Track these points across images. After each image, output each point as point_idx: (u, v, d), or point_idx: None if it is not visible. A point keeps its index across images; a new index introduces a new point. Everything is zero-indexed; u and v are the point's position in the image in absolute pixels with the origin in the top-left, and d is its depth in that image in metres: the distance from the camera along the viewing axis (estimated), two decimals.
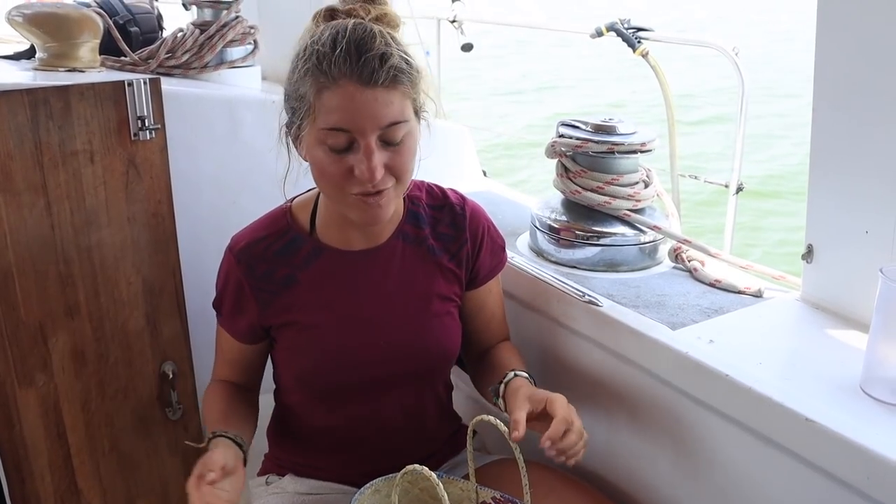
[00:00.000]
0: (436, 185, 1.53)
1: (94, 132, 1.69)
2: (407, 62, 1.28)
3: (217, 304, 1.50)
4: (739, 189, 2.75)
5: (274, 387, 1.58)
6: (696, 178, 3.09)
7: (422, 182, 1.51)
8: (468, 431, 1.34)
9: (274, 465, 1.61)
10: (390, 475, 1.33)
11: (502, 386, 1.40)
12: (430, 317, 1.47)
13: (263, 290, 1.43)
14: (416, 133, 1.33)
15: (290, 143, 1.36)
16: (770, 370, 1.31)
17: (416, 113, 1.33)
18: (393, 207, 1.35)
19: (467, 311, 1.56)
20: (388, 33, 1.28)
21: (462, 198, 1.53)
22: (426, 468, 1.20)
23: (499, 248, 1.56)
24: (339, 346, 1.44)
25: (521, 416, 1.26)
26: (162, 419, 1.94)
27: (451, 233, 1.49)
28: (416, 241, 1.47)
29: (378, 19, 1.32)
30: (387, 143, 1.27)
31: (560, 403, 1.28)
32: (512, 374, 1.41)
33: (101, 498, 1.93)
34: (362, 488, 1.33)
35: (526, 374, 1.42)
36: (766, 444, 1.25)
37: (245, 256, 1.43)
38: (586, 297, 1.55)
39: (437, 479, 1.16)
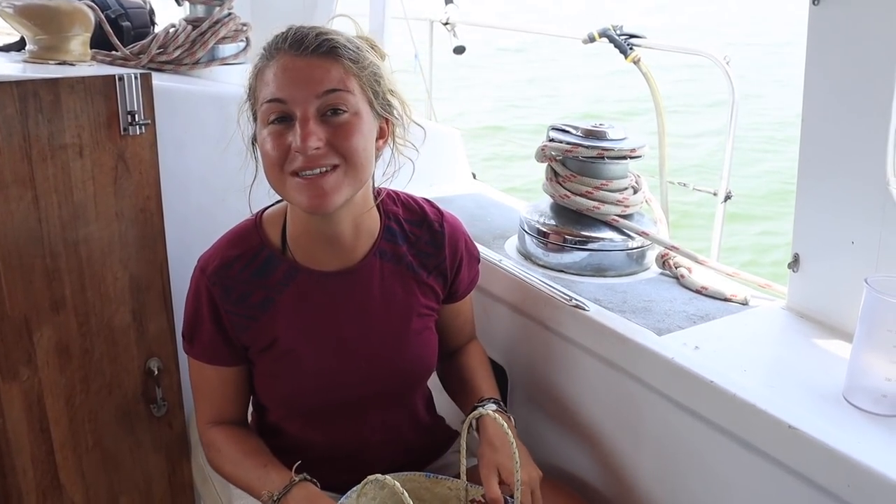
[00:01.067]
0: (410, 198, 1.50)
1: (83, 126, 1.68)
2: (354, 47, 1.27)
3: (188, 332, 1.43)
4: (728, 197, 2.76)
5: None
6: (684, 185, 3.09)
7: (396, 194, 1.48)
8: (463, 427, 1.32)
9: None
10: (376, 477, 1.31)
11: (474, 422, 1.38)
12: (409, 334, 1.45)
13: (239, 315, 1.38)
14: (367, 119, 1.28)
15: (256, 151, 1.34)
16: (754, 377, 1.32)
17: (371, 103, 1.29)
18: (343, 196, 1.28)
19: (443, 320, 1.55)
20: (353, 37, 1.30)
21: (439, 212, 1.50)
22: (388, 477, 1.19)
23: (475, 260, 1.56)
24: (319, 369, 1.41)
25: (496, 491, 1.29)
26: (146, 416, 1.93)
27: (430, 250, 1.47)
28: (395, 258, 1.44)
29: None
30: (328, 115, 1.24)
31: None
32: (479, 411, 1.36)
33: (83, 494, 1.92)
34: (350, 491, 1.29)
35: (494, 406, 1.42)
36: (749, 450, 1.25)
37: (219, 279, 1.38)
38: (573, 301, 1.56)
39: (400, 488, 1.15)
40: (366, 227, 1.40)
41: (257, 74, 1.27)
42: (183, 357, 1.89)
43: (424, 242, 1.47)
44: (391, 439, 1.50)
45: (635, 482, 1.52)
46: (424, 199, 1.52)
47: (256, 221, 1.43)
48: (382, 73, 1.32)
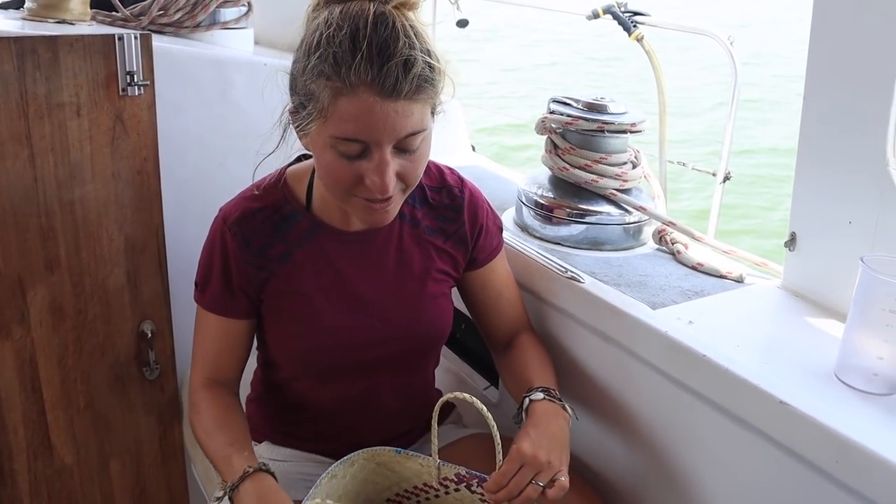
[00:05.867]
0: (433, 164, 1.49)
1: (81, 85, 1.67)
2: (430, 67, 1.18)
3: (202, 280, 1.41)
4: (727, 178, 2.75)
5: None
6: (684, 164, 3.08)
7: None
8: (435, 409, 1.32)
9: (250, 431, 1.59)
10: (346, 458, 1.31)
11: (523, 413, 1.35)
12: (425, 298, 1.45)
13: (258, 267, 1.37)
14: (430, 137, 1.26)
15: (292, 128, 1.30)
16: (747, 353, 1.32)
17: (433, 113, 1.27)
18: (398, 209, 1.30)
19: (473, 291, 1.55)
20: (412, 27, 1.18)
21: (460, 180, 1.50)
22: (357, 453, 1.21)
23: (497, 229, 1.54)
24: (335, 327, 1.40)
25: (496, 482, 1.22)
26: (139, 378, 1.93)
27: (449, 214, 1.47)
28: (413, 222, 1.44)
29: (399, 6, 1.19)
30: (402, 150, 1.21)
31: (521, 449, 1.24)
32: (527, 400, 1.35)
33: (74, 454, 1.92)
34: (319, 480, 1.27)
35: (542, 394, 1.35)
36: (740, 425, 1.25)
37: (240, 229, 1.37)
38: (569, 273, 1.56)
39: (341, 474, 1.15)
40: None
41: (331, 95, 1.16)
42: (177, 321, 1.91)
43: (444, 207, 1.47)
44: (399, 403, 1.50)
45: (626, 455, 1.53)
46: (446, 165, 1.52)
47: (280, 177, 1.42)
48: (444, 75, 1.26)
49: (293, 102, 1.27)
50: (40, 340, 1.78)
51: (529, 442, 1.24)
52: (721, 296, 1.54)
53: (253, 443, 1.55)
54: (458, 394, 1.28)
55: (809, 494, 1.18)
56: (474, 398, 1.27)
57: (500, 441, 1.27)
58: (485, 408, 1.27)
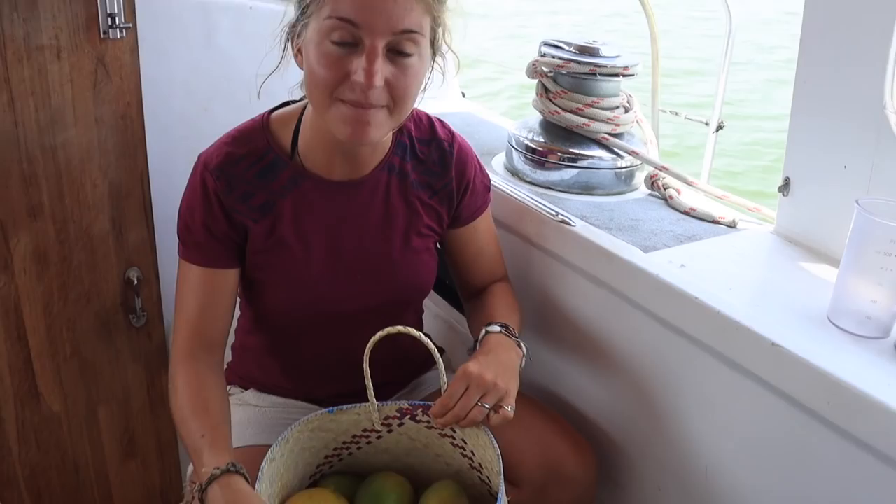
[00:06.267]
0: (425, 115, 1.45)
1: (61, 27, 1.63)
2: None
3: (183, 231, 1.35)
4: (720, 127, 2.72)
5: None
6: (676, 113, 3.04)
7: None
8: (368, 346, 1.26)
9: (236, 378, 1.58)
10: (280, 437, 1.28)
11: (477, 345, 1.36)
12: (409, 253, 1.42)
13: (240, 214, 1.32)
14: (426, 63, 1.23)
15: (290, 46, 1.27)
16: (739, 297, 1.31)
17: (432, 44, 1.23)
18: (382, 134, 1.25)
19: (452, 248, 1.52)
20: None
21: (450, 133, 1.46)
22: (291, 428, 1.22)
23: (484, 188, 1.50)
24: (317, 278, 1.37)
25: (442, 404, 1.24)
26: (125, 326, 1.91)
27: (437, 170, 1.43)
28: (402, 175, 1.40)
29: None
30: (394, 54, 1.17)
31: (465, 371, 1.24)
32: (483, 331, 1.36)
33: (61, 402, 1.91)
34: (259, 471, 1.23)
35: (499, 328, 1.35)
36: (732, 368, 1.25)
37: (223, 174, 1.31)
38: (560, 216, 1.54)
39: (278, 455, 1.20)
40: (380, 142, 1.36)
41: None
42: (163, 268, 1.89)
43: (432, 161, 1.43)
44: (380, 353, 1.48)
45: (617, 400, 1.52)
46: (438, 118, 1.47)
47: (263, 122, 1.36)
48: (450, 7, 1.24)
49: (295, 9, 1.24)
50: (24, 288, 1.76)
51: (476, 364, 1.25)
52: (713, 240, 1.52)
53: (239, 390, 1.55)
54: (399, 328, 1.24)
55: (801, 437, 1.18)
56: (420, 333, 1.25)
57: (444, 372, 1.26)
58: (429, 340, 1.26)
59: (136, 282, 1.86)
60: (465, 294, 1.58)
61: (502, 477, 1.18)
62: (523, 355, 1.35)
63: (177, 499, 2.20)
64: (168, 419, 2.07)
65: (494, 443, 1.23)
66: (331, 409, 1.33)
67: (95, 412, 1.97)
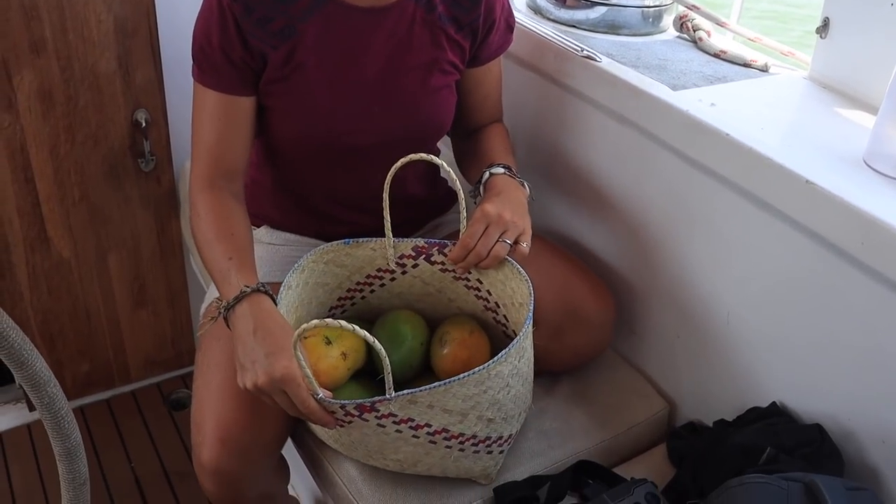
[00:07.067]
0: None
1: None
2: None
3: (199, 53, 1.27)
4: None
5: None
6: None
7: None
8: (388, 176, 1.25)
9: (249, 215, 1.53)
10: (296, 265, 1.27)
11: (481, 187, 1.34)
12: (429, 89, 1.36)
13: (257, 39, 1.25)
14: None
15: None
16: (772, 136, 1.25)
17: None
18: None
19: (464, 87, 1.45)
20: None
21: None
22: (310, 255, 1.23)
23: (508, 27, 1.44)
24: (334, 108, 1.31)
25: (462, 246, 1.24)
26: (134, 170, 1.87)
27: (466, 4, 1.35)
28: (429, 6, 1.33)
29: None
30: None
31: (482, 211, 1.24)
32: (487, 173, 1.33)
33: (71, 248, 1.89)
34: (278, 296, 1.21)
35: (502, 169, 1.34)
36: (762, 208, 1.20)
37: None
38: (584, 51, 1.46)
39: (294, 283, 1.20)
40: None
41: None
42: (172, 110, 1.83)
43: None
44: (394, 191, 1.44)
45: (637, 245, 1.48)
46: None
47: None
48: None
49: None
50: (30, 128, 1.72)
51: (492, 204, 1.25)
52: (745, 83, 1.45)
53: (252, 228, 1.51)
54: (422, 154, 1.22)
55: (830, 279, 1.14)
56: (442, 161, 1.22)
57: (464, 206, 1.25)
58: (451, 171, 1.23)
59: (144, 124, 1.81)
60: (458, 133, 1.53)
61: (532, 298, 1.18)
62: (528, 194, 1.34)
63: (188, 348, 2.21)
64: (178, 266, 2.06)
65: (521, 270, 1.22)
66: (346, 240, 1.31)
67: (105, 259, 1.95)
